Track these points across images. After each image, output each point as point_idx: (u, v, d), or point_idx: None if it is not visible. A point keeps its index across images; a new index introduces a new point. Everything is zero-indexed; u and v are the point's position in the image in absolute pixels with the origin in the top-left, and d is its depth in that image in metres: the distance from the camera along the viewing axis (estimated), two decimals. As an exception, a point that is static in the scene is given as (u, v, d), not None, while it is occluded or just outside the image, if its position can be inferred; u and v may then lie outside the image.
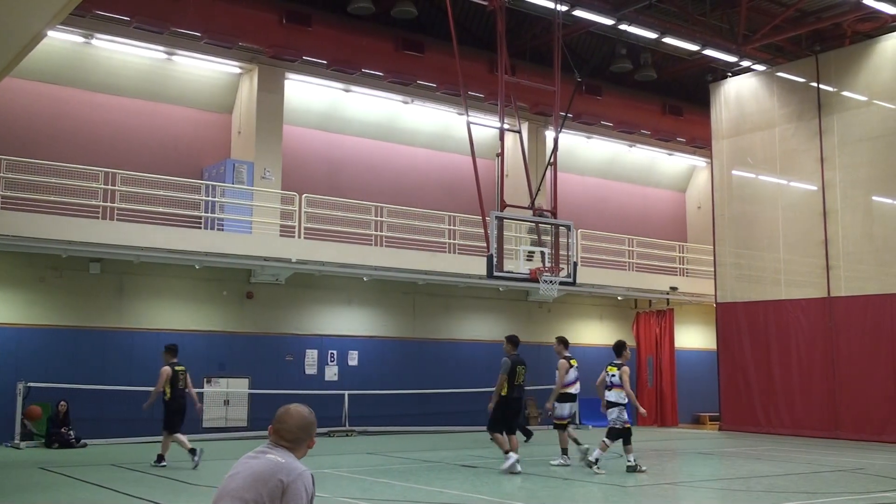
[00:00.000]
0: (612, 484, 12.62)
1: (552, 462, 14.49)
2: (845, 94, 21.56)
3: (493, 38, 19.13)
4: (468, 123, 16.89)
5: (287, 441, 3.92)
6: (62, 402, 16.91)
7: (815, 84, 21.94)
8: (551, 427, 15.86)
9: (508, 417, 13.69)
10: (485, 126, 19.73)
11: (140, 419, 18.13)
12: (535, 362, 24.18)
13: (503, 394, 13.55)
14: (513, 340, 14.08)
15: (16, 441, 16.56)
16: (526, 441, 17.75)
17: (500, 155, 17.60)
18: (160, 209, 18.12)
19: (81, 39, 18.71)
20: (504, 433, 13.51)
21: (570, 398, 14.85)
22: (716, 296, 23.85)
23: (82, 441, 16.93)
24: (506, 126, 17.31)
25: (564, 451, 14.54)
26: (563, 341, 15.16)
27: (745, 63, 23.56)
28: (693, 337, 27.36)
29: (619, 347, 14.08)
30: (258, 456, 3.86)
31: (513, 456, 13.30)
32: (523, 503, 10.93)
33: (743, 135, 23.64)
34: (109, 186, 17.76)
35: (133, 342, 18.72)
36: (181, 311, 19.43)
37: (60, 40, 18.35)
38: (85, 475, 12.72)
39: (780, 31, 22.04)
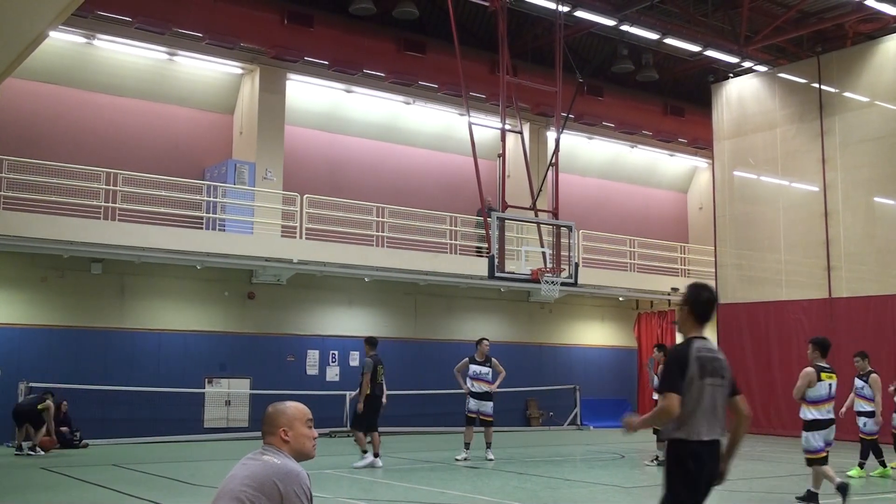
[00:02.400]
0: (614, 485, 12.63)
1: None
2: (847, 95, 21.54)
3: (494, 39, 19.14)
4: (469, 124, 16.89)
5: (264, 437, 3.95)
6: (63, 402, 16.91)
7: (816, 85, 21.91)
8: (549, 428, 15.94)
9: (370, 415, 14.22)
10: (486, 127, 19.73)
11: (141, 419, 18.19)
12: (537, 363, 24.30)
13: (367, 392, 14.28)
14: (371, 342, 14.84)
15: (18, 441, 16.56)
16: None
17: (502, 155, 17.62)
18: (162, 209, 18.12)
19: (83, 40, 18.72)
20: (365, 432, 14.21)
21: None
22: (717, 296, 23.77)
23: (84, 441, 16.95)
24: (507, 127, 17.33)
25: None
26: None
27: (747, 64, 23.54)
28: (694, 338, 27.33)
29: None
30: (256, 458, 3.85)
31: (369, 457, 14.01)
32: (523, 503, 10.93)
33: (744, 136, 23.61)
34: (111, 187, 17.77)
35: (134, 342, 18.73)
36: (183, 311, 19.44)
37: (62, 41, 18.36)
38: (86, 475, 12.73)
39: (782, 32, 22.04)
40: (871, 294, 20.44)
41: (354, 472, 13.49)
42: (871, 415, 13.53)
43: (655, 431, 14.72)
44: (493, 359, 15.99)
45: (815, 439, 10.38)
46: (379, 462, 14.13)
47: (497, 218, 15.90)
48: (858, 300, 20.64)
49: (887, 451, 13.91)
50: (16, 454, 15.51)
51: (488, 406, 15.61)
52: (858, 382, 13.71)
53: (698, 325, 5.53)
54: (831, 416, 10.59)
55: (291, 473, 3.75)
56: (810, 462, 10.46)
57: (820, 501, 10.43)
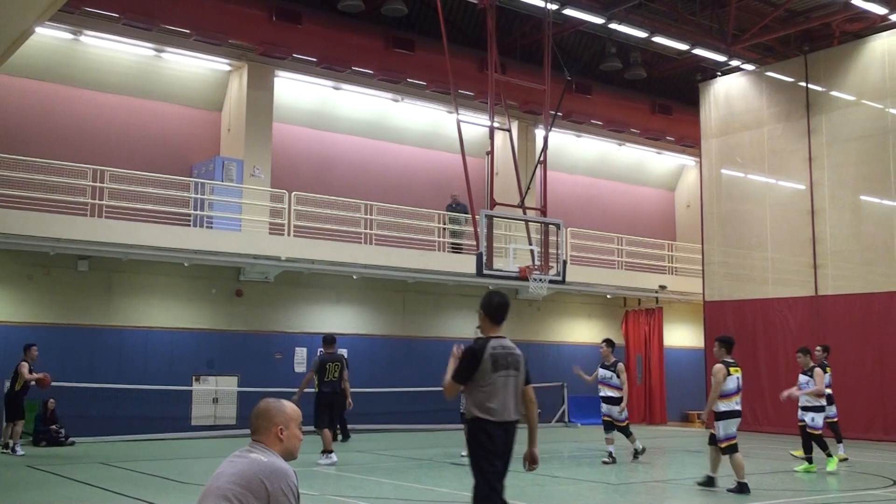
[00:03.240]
0: (602, 482, 12.67)
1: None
2: (834, 93, 21.65)
3: (483, 37, 19.16)
4: (458, 122, 16.91)
5: (255, 433, 3.91)
6: (50, 400, 16.83)
7: (803, 84, 22.02)
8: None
9: (322, 412, 14.25)
10: (475, 124, 19.78)
11: (129, 417, 18.14)
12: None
13: (315, 390, 14.37)
14: (327, 339, 14.89)
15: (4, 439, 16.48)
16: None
17: (490, 153, 17.66)
18: (149, 207, 18.06)
19: (70, 36, 18.64)
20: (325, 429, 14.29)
21: None
22: (704, 294, 23.92)
23: (70, 439, 16.88)
24: (496, 124, 17.35)
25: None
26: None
27: (735, 62, 23.63)
28: (682, 335, 27.46)
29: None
30: (243, 455, 3.83)
31: (333, 456, 14.01)
32: (511, 500, 10.92)
33: (732, 134, 23.71)
34: (98, 184, 17.69)
35: (122, 340, 18.67)
36: (170, 308, 19.39)
37: (49, 37, 18.27)
38: (73, 473, 12.69)
39: (770, 31, 22.13)
40: (856, 292, 20.56)
41: (343, 470, 13.49)
42: (818, 409, 13.63)
43: (623, 431, 14.85)
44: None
45: (730, 427, 11.28)
46: (325, 459, 14.06)
47: (485, 216, 15.92)
48: (844, 298, 20.76)
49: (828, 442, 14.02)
50: (2, 451, 15.42)
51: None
52: (803, 378, 13.84)
53: (495, 325, 6.46)
54: (739, 407, 11.52)
55: (279, 471, 3.73)
56: (728, 449, 11.27)
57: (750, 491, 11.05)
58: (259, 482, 3.66)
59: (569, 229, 22.26)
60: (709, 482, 11.58)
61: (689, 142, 26.91)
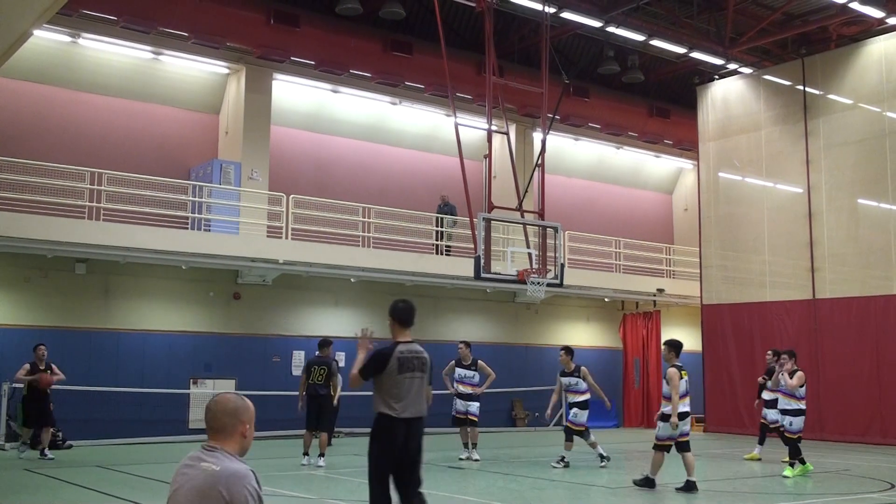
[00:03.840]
0: (599, 485, 12.66)
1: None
2: (831, 97, 21.68)
3: (480, 40, 19.17)
4: (456, 125, 16.92)
5: (214, 431, 3.76)
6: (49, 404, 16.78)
7: (801, 87, 22.04)
8: (535, 429, 15.95)
9: (311, 414, 14.39)
10: (472, 127, 19.76)
11: (126, 420, 18.11)
12: (523, 364, 24.33)
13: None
14: (321, 343, 15.00)
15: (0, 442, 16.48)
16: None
17: (488, 156, 17.64)
18: (147, 209, 18.05)
19: (68, 38, 18.64)
20: (307, 430, 14.52)
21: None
22: (701, 297, 23.93)
23: (68, 443, 16.85)
24: (493, 127, 17.34)
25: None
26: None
27: (732, 66, 23.65)
28: (679, 338, 27.27)
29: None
30: (194, 464, 3.68)
31: (310, 459, 14.24)
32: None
33: (729, 137, 23.73)
34: (96, 186, 17.68)
35: (119, 343, 18.64)
36: (168, 311, 19.37)
37: (47, 39, 18.26)
38: (71, 477, 12.67)
39: (767, 35, 22.16)
40: (854, 295, 20.58)
41: (341, 474, 13.48)
42: (797, 413, 13.63)
43: (581, 435, 14.69)
44: (479, 361, 16.02)
45: (678, 427, 11.73)
46: (310, 461, 14.24)
47: (483, 219, 15.92)
48: (842, 301, 20.77)
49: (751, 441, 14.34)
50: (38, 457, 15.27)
51: (475, 406, 15.67)
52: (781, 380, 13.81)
53: (403, 329, 7.26)
54: (688, 409, 12.06)
55: (237, 476, 3.59)
56: (662, 447, 11.88)
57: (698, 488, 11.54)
58: (217, 494, 3.54)
59: (567, 232, 22.27)
60: (647, 482, 11.88)
61: (686, 145, 26.93)
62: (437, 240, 21.95)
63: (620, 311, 26.70)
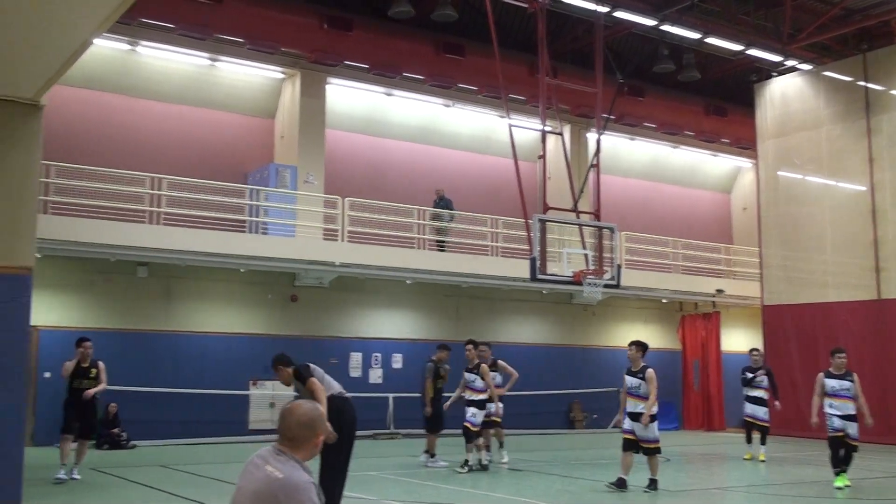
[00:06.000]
0: (660, 488, 12.49)
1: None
2: (894, 93, 21.18)
3: (533, 41, 19.08)
4: (510, 126, 16.90)
5: (288, 440, 3.80)
6: (112, 404, 17.15)
7: (862, 83, 21.57)
8: (593, 431, 15.73)
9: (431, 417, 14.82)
10: (526, 129, 19.69)
11: (187, 421, 18.38)
12: (580, 365, 24.16)
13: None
14: (439, 347, 15.37)
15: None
16: None
17: (543, 157, 17.57)
18: (205, 213, 18.30)
19: (127, 46, 18.99)
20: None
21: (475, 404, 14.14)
22: (762, 298, 23.53)
23: (132, 442, 17.18)
24: (547, 128, 17.27)
25: None
26: None
27: (791, 62, 23.23)
28: (740, 340, 26.97)
29: None
30: (260, 465, 3.73)
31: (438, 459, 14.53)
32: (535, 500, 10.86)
33: (788, 135, 23.32)
34: (156, 191, 17.99)
35: (179, 344, 18.93)
36: (227, 313, 19.62)
37: (107, 48, 18.63)
38: (135, 476, 12.89)
39: (826, 30, 21.72)
40: (921, 294, 20.05)
41: (399, 475, 13.53)
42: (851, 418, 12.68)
43: (466, 434, 13.91)
44: (500, 361, 15.20)
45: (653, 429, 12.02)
46: (429, 461, 14.56)
47: (538, 220, 15.85)
48: (908, 301, 20.24)
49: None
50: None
51: (490, 409, 14.29)
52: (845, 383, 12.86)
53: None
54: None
55: (298, 488, 3.61)
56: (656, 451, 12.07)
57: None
58: (275, 502, 3.58)
59: (623, 233, 22.07)
60: (621, 484, 11.93)
61: (744, 143, 26.52)
62: (494, 242, 21.90)
63: (679, 313, 26.37)
